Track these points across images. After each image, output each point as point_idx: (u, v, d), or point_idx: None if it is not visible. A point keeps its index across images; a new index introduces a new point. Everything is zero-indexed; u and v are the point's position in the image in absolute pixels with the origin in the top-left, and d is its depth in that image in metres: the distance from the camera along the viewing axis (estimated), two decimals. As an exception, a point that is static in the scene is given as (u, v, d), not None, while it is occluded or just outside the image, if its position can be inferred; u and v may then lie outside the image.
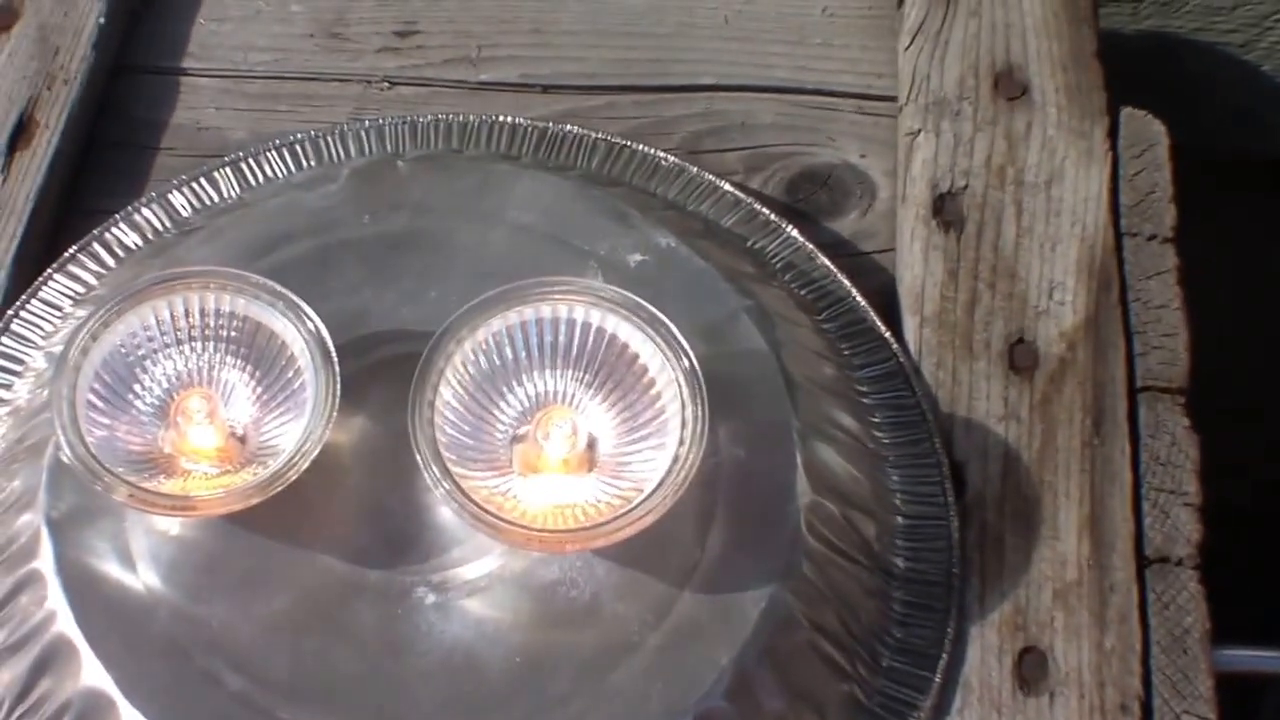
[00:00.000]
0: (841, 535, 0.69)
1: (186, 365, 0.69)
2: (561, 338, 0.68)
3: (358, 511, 0.68)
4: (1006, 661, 0.73)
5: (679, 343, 0.66)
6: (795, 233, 0.81)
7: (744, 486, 0.68)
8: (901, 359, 0.78)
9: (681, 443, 0.64)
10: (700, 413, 0.64)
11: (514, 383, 0.68)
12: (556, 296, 0.67)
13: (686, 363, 0.66)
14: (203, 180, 0.82)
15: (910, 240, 0.82)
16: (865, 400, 0.76)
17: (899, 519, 0.74)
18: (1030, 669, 0.73)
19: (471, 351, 0.67)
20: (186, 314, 0.69)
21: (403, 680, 0.64)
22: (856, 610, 0.70)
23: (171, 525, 0.68)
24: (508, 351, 0.68)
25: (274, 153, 0.82)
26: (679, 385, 0.65)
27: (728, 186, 0.82)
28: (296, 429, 0.66)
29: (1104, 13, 1.14)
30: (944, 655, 0.72)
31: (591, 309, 0.67)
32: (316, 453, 0.65)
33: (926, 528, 0.74)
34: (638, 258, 0.73)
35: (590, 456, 0.68)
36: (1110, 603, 0.74)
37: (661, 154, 0.82)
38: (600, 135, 0.83)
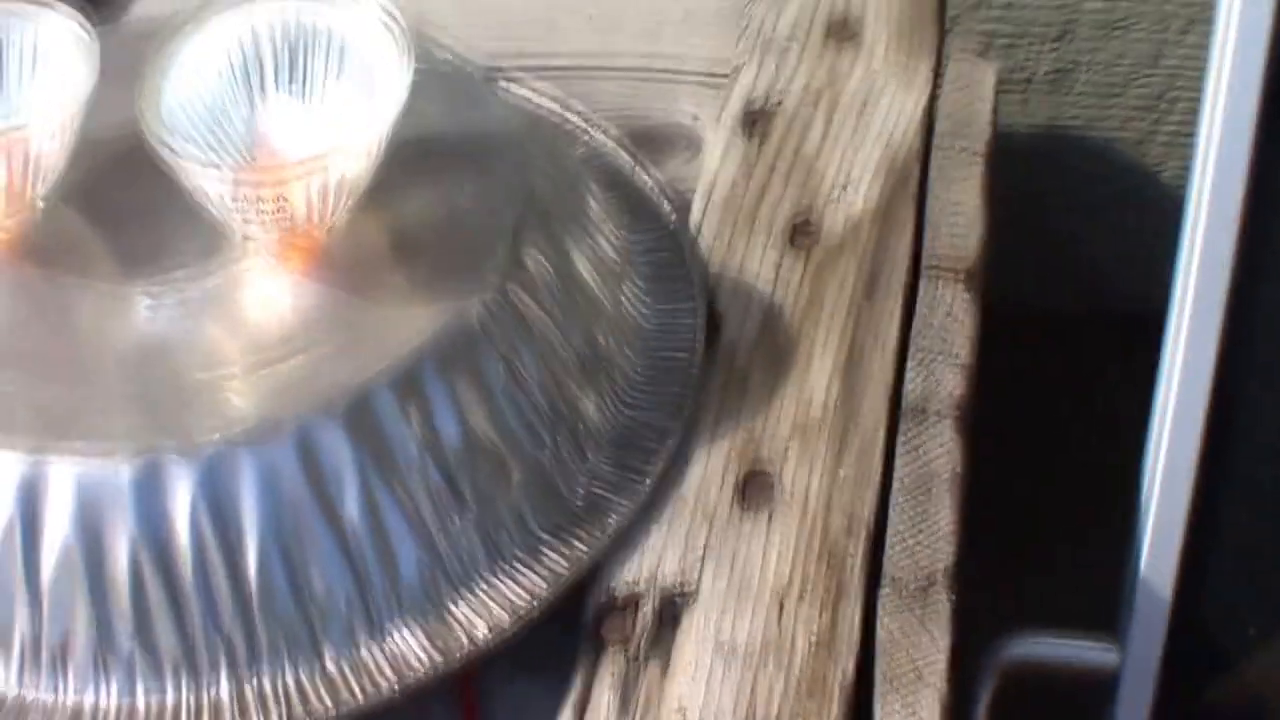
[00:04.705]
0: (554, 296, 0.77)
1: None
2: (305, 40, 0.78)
3: (103, 241, 0.80)
4: (730, 480, 0.75)
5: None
6: (603, 135, 0.90)
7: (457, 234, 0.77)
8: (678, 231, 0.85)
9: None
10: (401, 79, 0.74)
11: (252, 81, 0.78)
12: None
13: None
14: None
15: (714, 144, 0.90)
16: (638, 261, 0.83)
17: (643, 326, 0.81)
18: (755, 490, 0.75)
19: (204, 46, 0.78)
20: None
21: (103, 358, 0.75)
22: (562, 386, 0.75)
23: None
24: (250, 50, 0.78)
25: None
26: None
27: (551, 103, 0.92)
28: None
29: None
30: (660, 463, 0.75)
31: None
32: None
33: (668, 355, 0.79)
34: None
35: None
36: (850, 441, 0.77)
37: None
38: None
